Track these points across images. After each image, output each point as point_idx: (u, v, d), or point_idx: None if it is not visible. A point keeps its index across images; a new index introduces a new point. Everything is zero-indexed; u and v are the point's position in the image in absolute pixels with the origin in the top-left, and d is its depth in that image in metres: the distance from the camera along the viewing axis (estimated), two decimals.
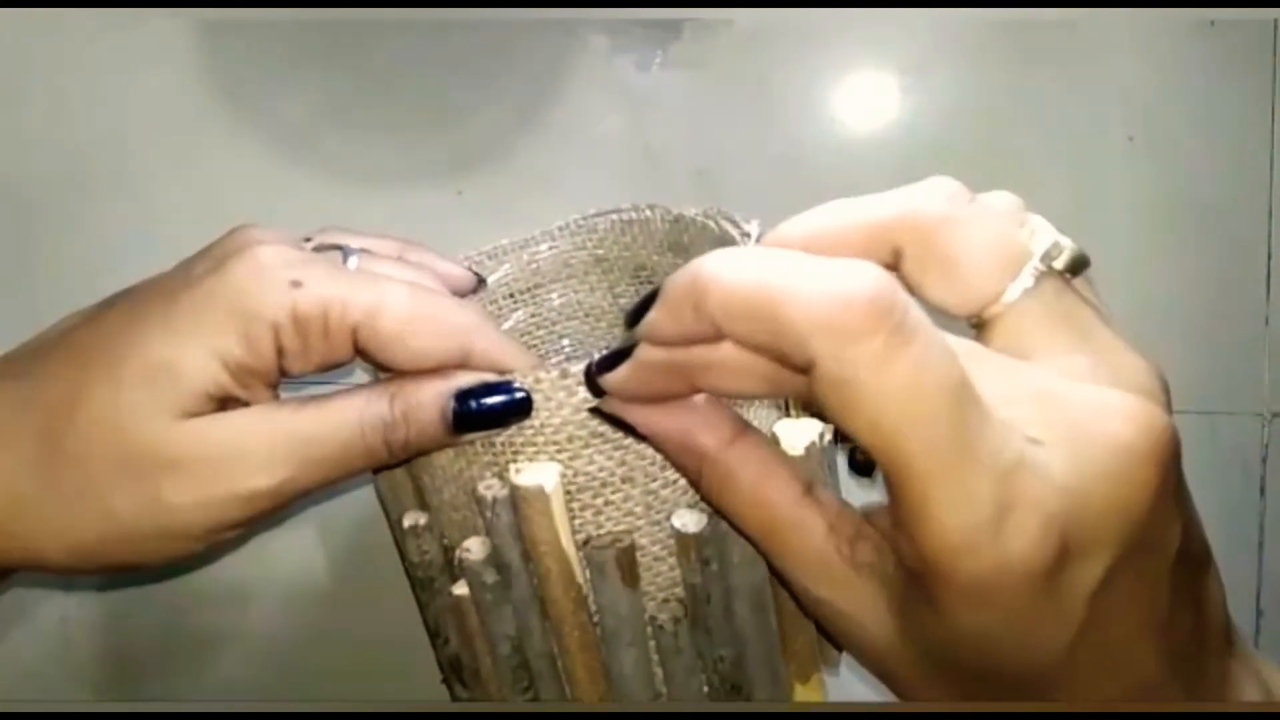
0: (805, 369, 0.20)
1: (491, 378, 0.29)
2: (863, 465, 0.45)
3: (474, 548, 0.31)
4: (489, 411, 0.29)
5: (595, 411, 0.29)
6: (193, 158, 0.45)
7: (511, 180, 0.46)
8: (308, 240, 0.33)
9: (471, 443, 0.30)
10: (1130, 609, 0.22)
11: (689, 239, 0.36)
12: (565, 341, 0.40)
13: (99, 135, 0.45)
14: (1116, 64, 0.46)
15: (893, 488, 0.21)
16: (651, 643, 0.32)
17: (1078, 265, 0.27)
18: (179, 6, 0.45)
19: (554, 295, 0.40)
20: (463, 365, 0.30)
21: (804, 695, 0.35)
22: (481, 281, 0.38)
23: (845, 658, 0.33)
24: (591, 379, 0.28)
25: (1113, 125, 0.46)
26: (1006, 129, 0.46)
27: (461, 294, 0.36)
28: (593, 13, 0.46)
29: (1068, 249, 0.27)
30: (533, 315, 0.40)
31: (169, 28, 0.45)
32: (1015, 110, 0.46)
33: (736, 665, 0.33)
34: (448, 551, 0.33)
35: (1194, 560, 0.24)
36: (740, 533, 0.27)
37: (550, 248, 0.39)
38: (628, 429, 0.27)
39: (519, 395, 0.29)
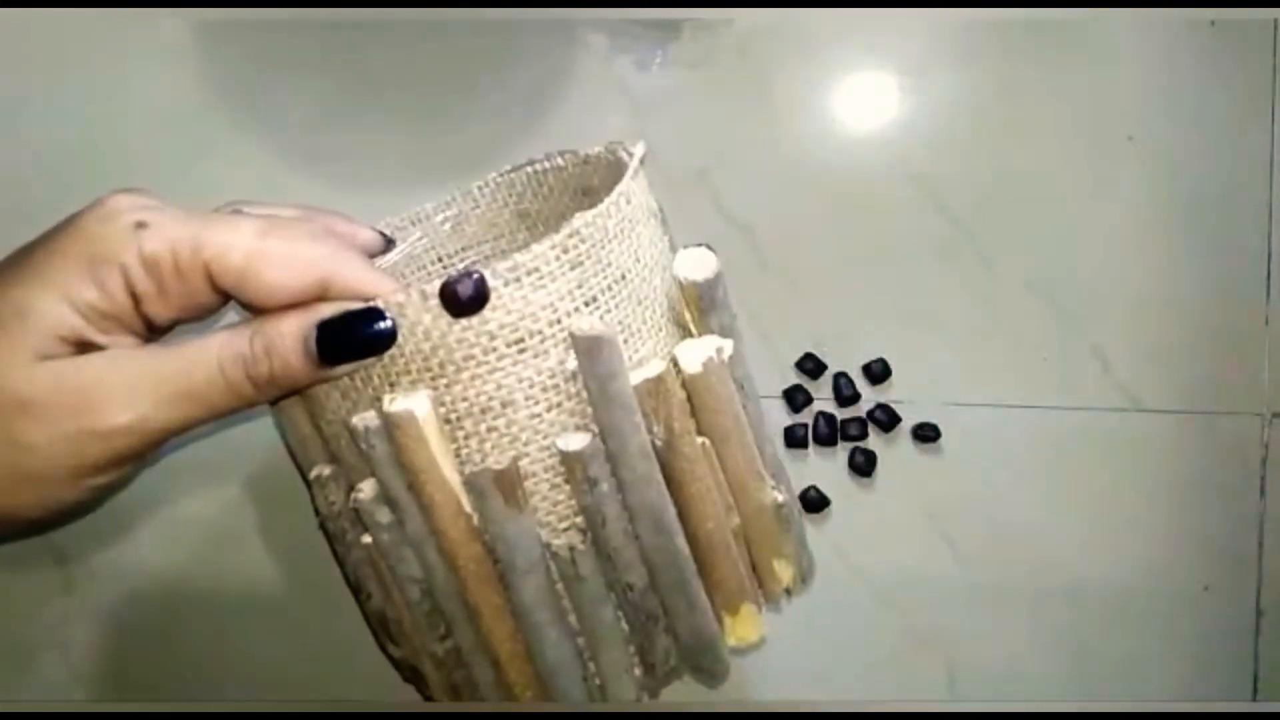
0: None
1: (354, 306, 0.29)
2: (862, 466, 0.45)
3: (366, 488, 0.31)
4: (353, 340, 0.29)
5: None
6: (193, 158, 0.45)
7: None
8: (213, 210, 0.33)
9: (351, 378, 0.30)
10: None
11: (599, 180, 0.37)
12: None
13: (99, 135, 0.45)
14: (1116, 64, 0.47)
15: None
16: (556, 572, 0.32)
17: None
18: (179, 6, 0.45)
19: (482, 256, 0.40)
20: (324, 298, 0.29)
21: (736, 628, 0.35)
22: (391, 242, 0.38)
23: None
24: (449, 298, 0.28)
25: (1113, 125, 0.46)
26: (1006, 129, 0.46)
27: (369, 254, 0.36)
28: (593, 13, 0.46)
29: None
30: None
31: (169, 28, 0.45)
32: (1015, 110, 0.46)
33: (647, 594, 0.33)
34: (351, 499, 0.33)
35: None
36: None
37: (473, 208, 0.39)
38: None
39: (381, 322, 0.29)
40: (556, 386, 0.30)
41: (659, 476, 0.32)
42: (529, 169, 0.39)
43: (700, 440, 0.33)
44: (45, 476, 0.29)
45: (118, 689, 0.44)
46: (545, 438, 0.31)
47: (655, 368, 0.31)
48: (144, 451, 0.30)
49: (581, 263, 0.30)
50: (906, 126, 0.46)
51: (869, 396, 0.46)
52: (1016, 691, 0.45)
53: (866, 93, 0.47)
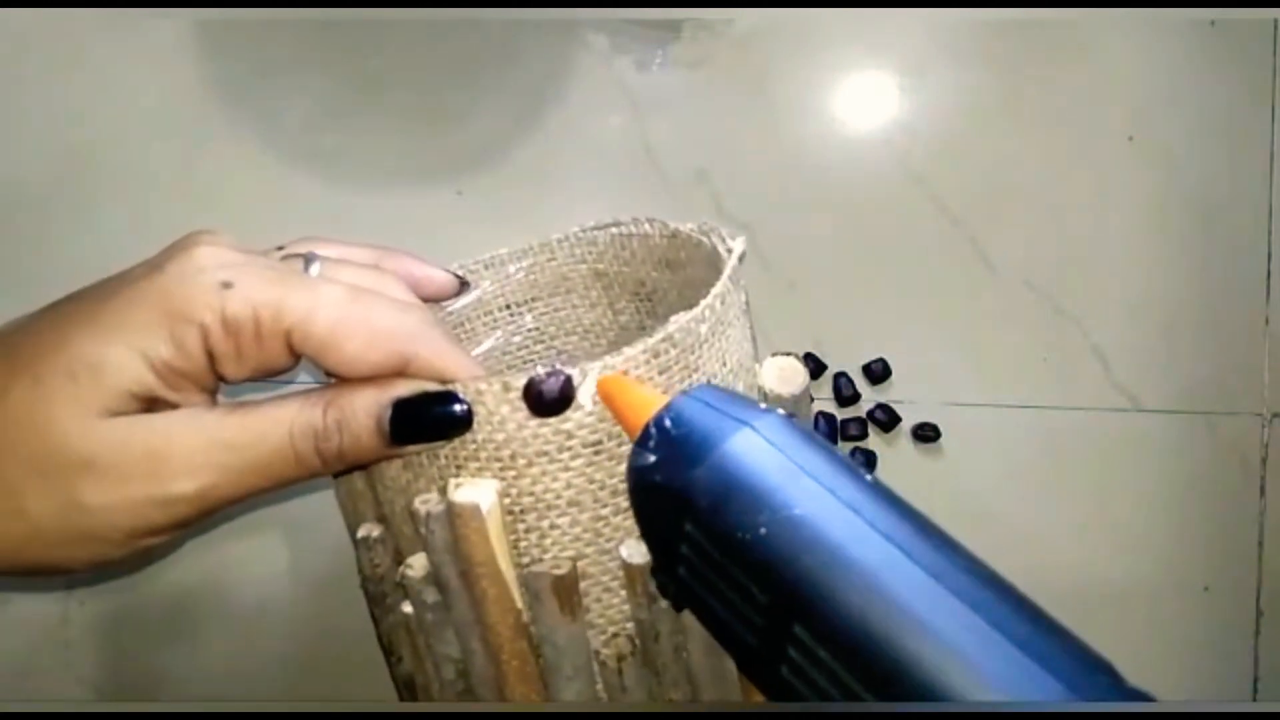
0: None
1: (432, 387, 0.28)
2: (862, 465, 0.45)
3: (416, 564, 0.30)
4: (427, 423, 0.28)
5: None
6: (193, 158, 0.45)
7: (511, 180, 0.46)
8: (280, 249, 0.32)
9: (418, 455, 0.29)
10: None
11: (685, 255, 0.36)
12: (563, 358, 0.39)
13: (99, 135, 0.45)
14: (1116, 64, 0.47)
15: None
16: (600, 680, 0.31)
17: None
18: (179, 6, 0.45)
19: (551, 309, 0.39)
20: (404, 373, 0.28)
21: None
22: (465, 285, 0.37)
23: None
24: (532, 398, 0.27)
25: (1113, 125, 0.46)
26: (1006, 129, 0.46)
27: (443, 299, 0.36)
28: (593, 13, 0.46)
29: None
30: (530, 329, 0.39)
31: (169, 28, 0.45)
32: (1015, 110, 0.46)
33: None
34: (398, 567, 0.32)
35: None
36: None
37: (549, 259, 0.38)
38: None
39: (458, 408, 0.28)
40: (626, 492, 0.29)
41: None
42: (614, 230, 0.37)
43: None
44: (100, 537, 0.28)
45: (118, 689, 0.44)
46: (608, 541, 0.29)
47: None
48: (203, 517, 0.29)
49: (669, 367, 0.29)
50: (906, 126, 0.46)
51: (869, 396, 0.46)
52: None
53: (866, 93, 0.47)
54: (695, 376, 0.29)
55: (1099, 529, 0.45)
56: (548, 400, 0.28)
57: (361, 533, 0.32)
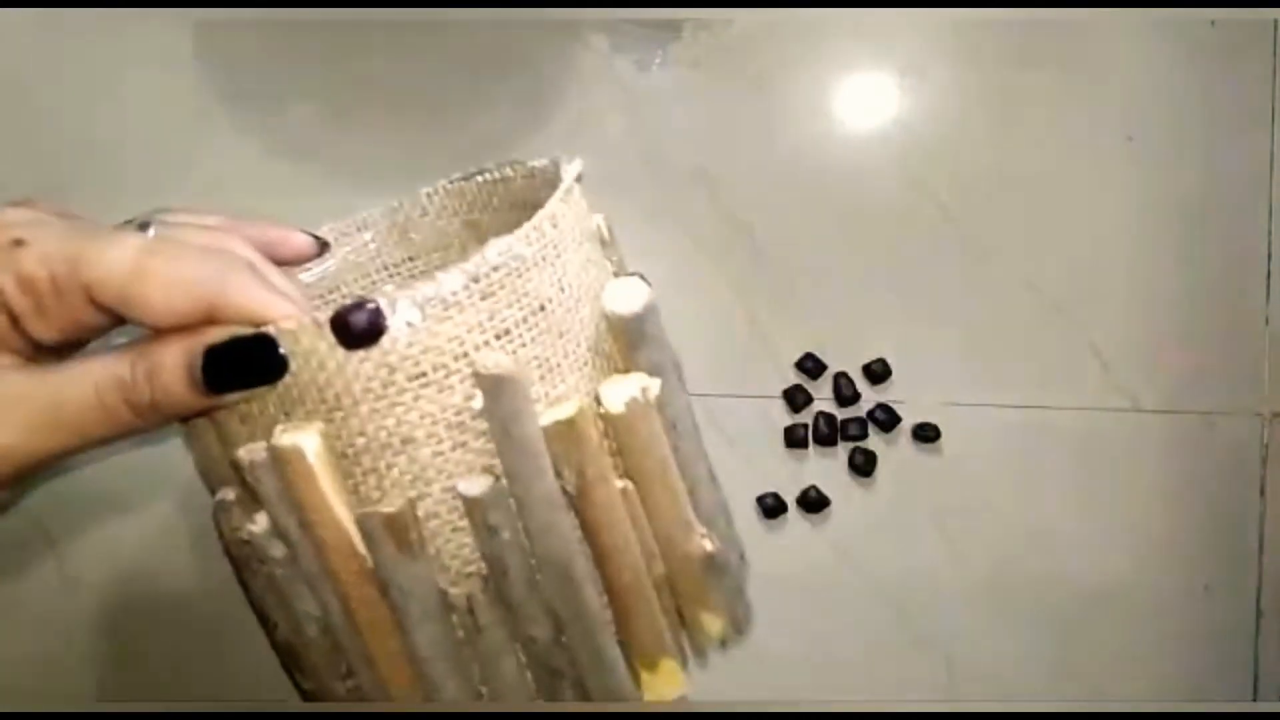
0: None
1: (243, 331, 0.27)
2: (862, 465, 0.45)
3: (260, 520, 0.29)
4: (240, 368, 0.27)
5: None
6: (193, 158, 0.45)
7: None
8: (127, 222, 0.31)
9: (249, 404, 0.28)
10: None
11: (544, 194, 0.34)
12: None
13: (99, 135, 0.45)
14: (1116, 64, 0.47)
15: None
16: (456, 622, 0.30)
17: None
18: (179, 6, 0.45)
19: (431, 266, 0.38)
20: (215, 320, 0.28)
21: (654, 684, 0.33)
22: (325, 247, 0.36)
23: None
24: (341, 329, 0.27)
25: (1113, 125, 0.46)
26: (1006, 129, 0.46)
27: (302, 261, 0.35)
28: (593, 13, 0.46)
29: None
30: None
31: (169, 28, 0.45)
32: (1015, 110, 0.46)
33: (552, 647, 0.31)
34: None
35: None
36: None
37: (421, 215, 0.37)
38: None
39: (270, 350, 0.27)
40: (462, 424, 0.28)
41: (567, 525, 0.30)
42: (478, 179, 0.37)
43: (623, 484, 0.31)
44: None
45: (118, 689, 0.44)
46: (449, 478, 0.29)
47: (567, 409, 0.29)
48: (17, 478, 0.28)
49: (494, 292, 0.28)
50: (906, 126, 0.46)
51: (869, 396, 0.46)
52: (1016, 691, 0.45)
53: (866, 93, 0.47)
54: (525, 300, 0.29)
55: (1099, 528, 0.45)
56: (356, 332, 0.27)
57: (218, 497, 0.31)
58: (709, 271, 0.45)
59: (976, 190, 0.46)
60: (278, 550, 0.30)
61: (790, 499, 0.45)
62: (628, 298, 0.31)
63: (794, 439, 0.45)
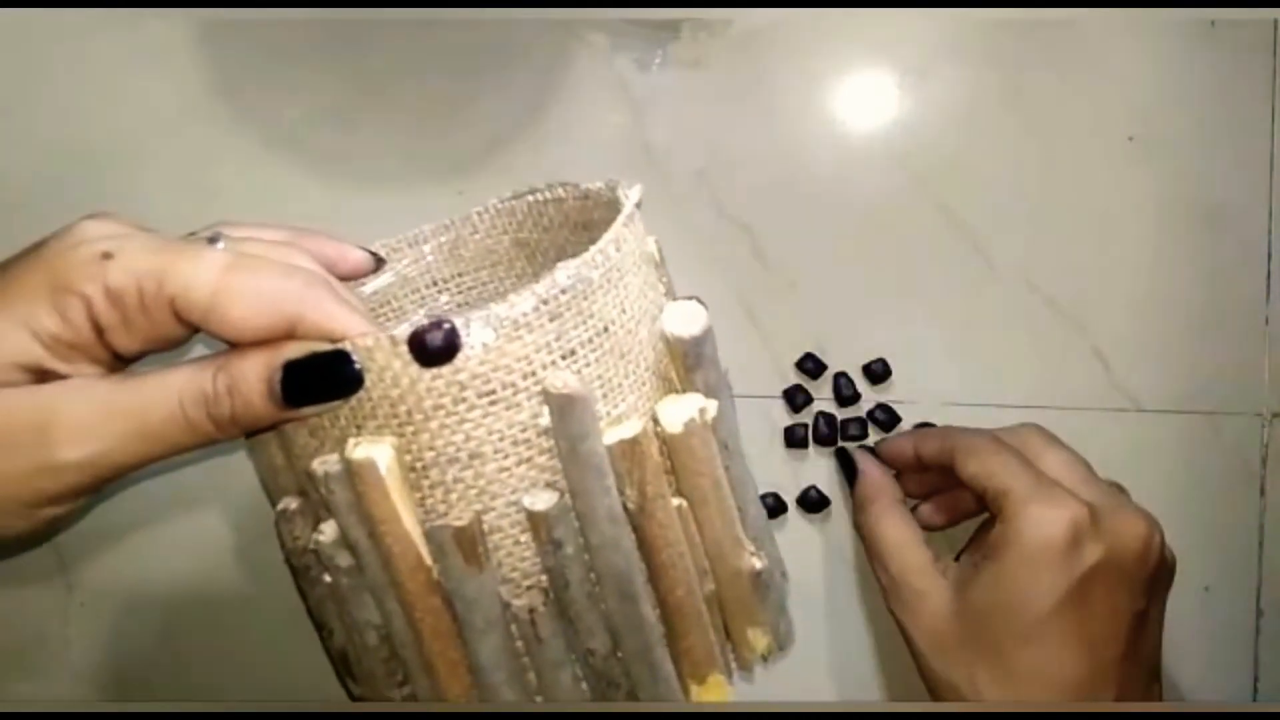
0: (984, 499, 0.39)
1: (321, 347, 0.28)
2: (815, 502, 0.45)
3: (327, 530, 0.30)
4: (318, 383, 0.28)
5: (841, 453, 0.43)
6: (193, 158, 0.45)
7: (511, 180, 0.45)
8: (191, 235, 0.32)
9: (320, 417, 0.29)
10: (1104, 607, 0.36)
11: (598, 215, 0.36)
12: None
13: (99, 135, 0.45)
14: (1116, 64, 0.47)
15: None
16: (517, 633, 0.31)
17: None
18: (179, 6, 0.45)
19: (479, 283, 0.39)
20: (293, 335, 0.28)
21: (703, 697, 0.34)
22: (381, 262, 0.37)
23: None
24: (417, 348, 0.27)
25: (1113, 125, 0.46)
26: (1006, 129, 0.46)
27: (359, 276, 0.36)
28: (593, 13, 0.46)
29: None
30: (457, 304, 0.39)
31: (169, 28, 0.45)
32: (1015, 110, 0.46)
33: (609, 660, 0.32)
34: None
35: (1151, 654, 0.39)
36: (874, 552, 0.40)
37: (471, 233, 0.38)
38: (850, 473, 0.43)
39: (348, 366, 0.28)
40: (528, 441, 0.29)
41: (628, 541, 0.31)
42: (530, 198, 0.38)
43: (678, 502, 0.32)
44: None
45: (118, 689, 0.44)
46: (514, 492, 0.29)
47: (631, 428, 0.30)
48: (99, 486, 0.29)
49: (561, 314, 0.29)
50: (906, 126, 0.46)
51: (869, 396, 0.46)
52: None
53: (866, 93, 0.47)
54: (590, 322, 0.29)
55: None
56: (433, 350, 0.28)
57: (280, 506, 0.32)
58: (709, 271, 0.45)
59: (977, 190, 0.46)
60: (344, 559, 0.30)
61: (790, 499, 0.45)
62: (687, 320, 0.32)
63: (794, 439, 0.45)
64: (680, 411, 0.31)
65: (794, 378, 0.46)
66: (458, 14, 0.45)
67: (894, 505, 0.41)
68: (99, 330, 0.28)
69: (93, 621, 0.44)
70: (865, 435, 0.45)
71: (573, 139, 0.46)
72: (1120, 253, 0.46)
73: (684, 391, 0.32)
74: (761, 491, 0.45)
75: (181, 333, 0.29)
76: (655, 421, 0.31)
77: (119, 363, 0.29)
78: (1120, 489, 0.40)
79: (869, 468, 0.43)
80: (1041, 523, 0.36)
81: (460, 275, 0.39)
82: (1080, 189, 0.46)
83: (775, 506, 0.45)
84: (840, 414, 0.45)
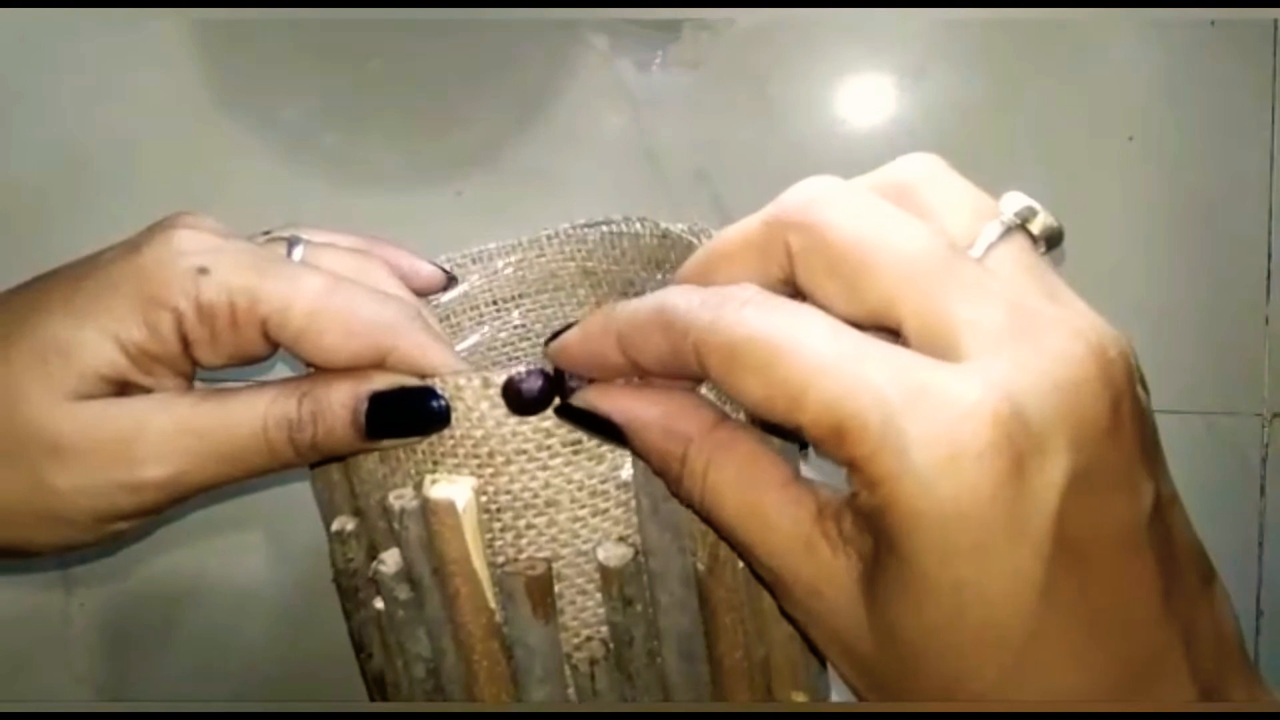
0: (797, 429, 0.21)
1: (410, 382, 0.28)
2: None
3: (389, 560, 0.30)
4: (403, 418, 0.28)
5: (565, 410, 0.27)
6: (193, 158, 0.45)
7: (511, 180, 0.46)
8: (266, 233, 0.31)
9: (396, 449, 0.29)
10: (1107, 548, 0.20)
11: (675, 256, 0.35)
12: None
13: (99, 135, 0.45)
14: (1116, 64, 0.46)
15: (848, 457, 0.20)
16: (572, 684, 0.31)
17: (1052, 237, 0.26)
18: (179, 6, 0.45)
19: (539, 306, 0.39)
20: (382, 365, 0.28)
21: None
22: (452, 280, 0.36)
23: None
24: (512, 395, 0.27)
25: (1113, 125, 0.46)
26: (1006, 129, 0.46)
27: (430, 292, 0.35)
28: (593, 13, 0.46)
29: (1043, 214, 0.26)
30: (517, 325, 0.39)
31: (169, 28, 0.45)
32: (1015, 110, 0.46)
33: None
34: (372, 562, 0.31)
35: (1193, 562, 0.24)
36: (721, 527, 0.25)
37: (538, 256, 0.38)
38: (600, 426, 0.26)
39: (435, 403, 0.27)
40: (606, 493, 0.29)
41: (695, 603, 0.30)
42: (604, 228, 0.37)
43: (740, 566, 0.31)
44: (67, 519, 0.27)
45: (118, 689, 0.44)
46: (585, 542, 0.29)
47: None
48: (173, 504, 0.29)
49: None
50: (906, 126, 0.46)
51: None
52: None
53: (866, 93, 0.47)
54: None
55: None
56: (527, 399, 0.27)
57: (335, 526, 0.32)
58: None
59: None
60: (403, 592, 0.30)
61: None
62: None
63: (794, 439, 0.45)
64: None
65: None
66: (458, 14, 0.45)
67: (719, 446, 0.24)
68: (186, 344, 0.28)
69: (93, 621, 0.44)
70: None
71: (573, 139, 0.46)
72: (1120, 253, 0.46)
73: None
74: None
75: (267, 351, 0.28)
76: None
77: (196, 372, 0.29)
78: (1022, 223, 0.26)
79: (626, 405, 0.25)
80: (935, 476, 0.19)
81: (521, 297, 0.38)
82: (1080, 189, 0.46)
83: None
84: None
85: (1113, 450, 0.21)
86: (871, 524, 0.21)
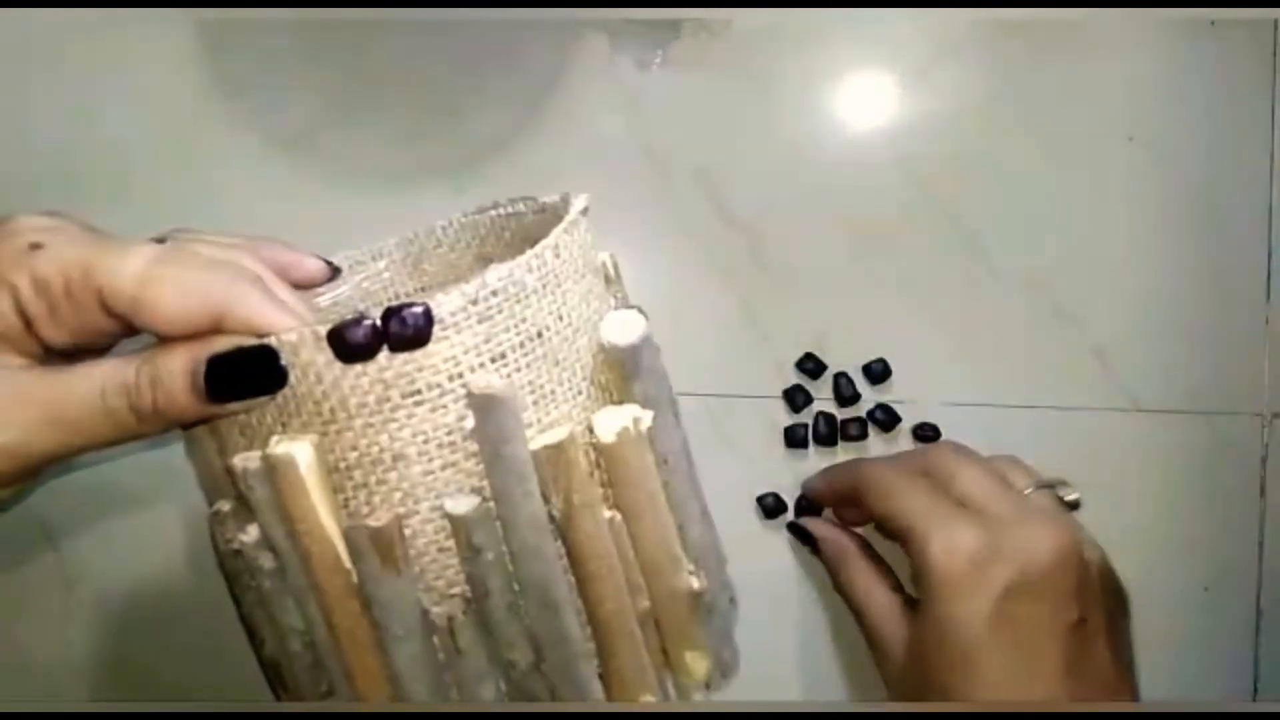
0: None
1: (247, 342, 0.28)
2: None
3: (251, 530, 0.30)
4: (242, 379, 0.28)
5: (792, 526, 0.44)
6: (193, 158, 0.45)
7: (511, 180, 0.46)
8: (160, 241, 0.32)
9: (249, 415, 0.29)
10: (1031, 623, 0.35)
11: (548, 228, 0.36)
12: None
13: (99, 135, 0.45)
14: (1116, 64, 0.47)
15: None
16: (437, 642, 0.31)
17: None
18: (179, 6, 0.45)
19: None
20: (220, 329, 0.28)
21: None
22: (336, 272, 0.36)
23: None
24: (339, 343, 0.27)
25: (1113, 125, 0.46)
26: (1006, 129, 0.46)
27: (313, 285, 0.36)
28: (593, 13, 0.46)
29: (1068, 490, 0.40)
30: None
31: (169, 28, 0.45)
32: (1015, 110, 0.46)
33: (531, 674, 0.31)
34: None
35: (1101, 672, 0.36)
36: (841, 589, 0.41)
37: (435, 247, 0.38)
38: (806, 537, 0.44)
39: (271, 361, 0.28)
40: (454, 444, 0.29)
41: (551, 550, 0.30)
42: (492, 213, 0.37)
43: (610, 514, 0.31)
44: None
45: (118, 689, 0.44)
46: (438, 497, 0.29)
47: (557, 434, 0.29)
48: (21, 476, 0.29)
49: (492, 316, 0.29)
50: (906, 126, 0.46)
51: (869, 396, 0.46)
52: None
53: (866, 93, 0.47)
54: (522, 326, 0.29)
55: (1099, 529, 0.45)
56: (352, 345, 0.27)
57: (214, 508, 0.32)
58: (709, 271, 0.45)
59: (977, 190, 0.46)
60: (267, 561, 0.30)
61: (790, 499, 0.45)
62: (624, 329, 0.31)
63: (794, 439, 0.45)
64: (614, 421, 0.30)
65: (794, 378, 0.46)
66: (458, 14, 0.45)
67: (857, 559, 0.41)
68: (27, 321, 0.28)
69: (93, 621, 0.44)
70: (865, 435, 0.45)
71: (573, 139, 0.46)
72: (1120, 253, 0.46)
73: (622, 403, 0.32)
74: (761, 491, 0.45)
75: (110, 325, 0.29)
76: (590, 431, 0.30)
77: (50, 356, 0.29)
78: (1052, 488, 0.39)
79: (823, 531, 0.43)
80: (942, 556, 0.35)
81: (423, 289, 0.39)
82: (1080, 189, 0.46)
83: (775, 506, 0.45)
84: (840, 414, 0.45)
85: (1055, 580, 0.36)
86: (916, 580, 0.37)
